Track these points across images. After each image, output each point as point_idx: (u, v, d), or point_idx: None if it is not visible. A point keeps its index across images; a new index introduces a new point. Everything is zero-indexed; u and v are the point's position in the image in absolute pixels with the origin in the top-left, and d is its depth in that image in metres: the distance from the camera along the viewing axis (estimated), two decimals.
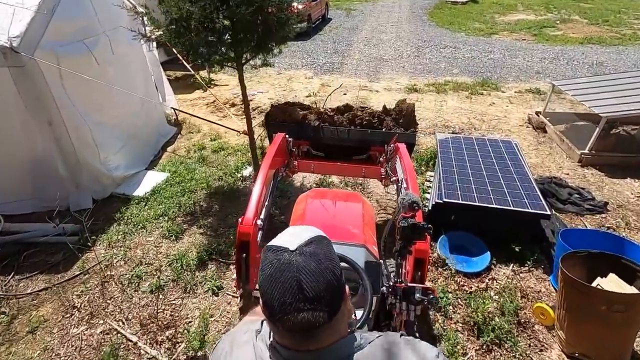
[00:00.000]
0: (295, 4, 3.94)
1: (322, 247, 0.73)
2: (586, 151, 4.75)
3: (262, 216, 2.10)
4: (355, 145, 3.08)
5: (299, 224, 2.23)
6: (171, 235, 3.70)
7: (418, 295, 1.35)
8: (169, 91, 6.10)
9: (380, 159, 3.02)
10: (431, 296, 1.35)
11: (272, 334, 0.77)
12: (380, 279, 1.43)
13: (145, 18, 3.62)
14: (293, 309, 0.67)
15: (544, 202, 3.30)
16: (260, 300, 0.74)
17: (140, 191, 4.37)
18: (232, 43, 3.73)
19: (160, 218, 3.98)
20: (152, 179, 4.61)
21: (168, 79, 8.22)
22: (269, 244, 0.76)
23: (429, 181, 4.43)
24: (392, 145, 2.78)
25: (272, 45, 3.87)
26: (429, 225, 1.39)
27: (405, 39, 11.81)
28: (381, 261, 1.60)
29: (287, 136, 2.89)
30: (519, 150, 4.21)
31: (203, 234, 3.76)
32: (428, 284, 1.97)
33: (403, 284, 1.40)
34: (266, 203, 2.31)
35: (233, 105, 7.02)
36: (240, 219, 1.86)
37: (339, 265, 0.74)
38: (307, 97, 7.36)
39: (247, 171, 4.78)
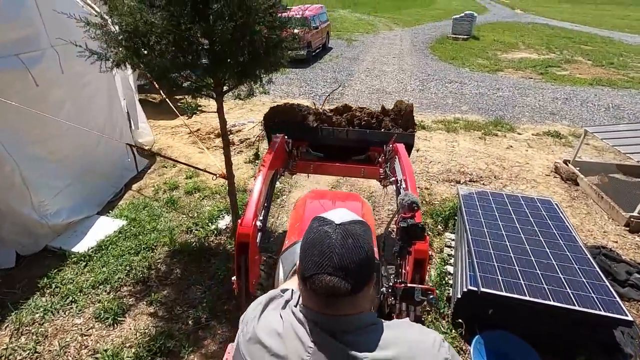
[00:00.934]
0: (296, 30, 3.12)
1: (363, 230, 0.79)
2: (636, 214, 3.90)
3: (261, 217, 2.06)
4: (354, 145, 3.02)
5: (299, 225, 2.20)
6: (108, 317, 2.69)
7: (418, 295, 1.29)
8: (142, 118, 5.24)
9: (379, 159, 2.94)
10: (431, 296, 1.29)
11: (300, 299, 0.84)
12: (380, 279, 1.43)
13: (97, 31, 2.77)
14: (323, 271, 0.73)
15: (619, 300, 2.39)
16: (298, 262, 0.82)
17: (83, 246, 3.38)
18: (209, 67, 2.91)
19: (101, 287, 2.99)
20: (103, 228, 3.64)
21: (152, 102, 7.43)
22: (318, 215, 0.83)
23: (449, 247, 3.52)
24: (390, 145, 2.73)
25: (259, 72, 3.05)
26: (423, 225, 1.35)
27: (409, 71, 11.26)
28: (380, 262, 1.58)
29: (286, 137, 2.80)
30: (563, 213, 3.35)
31: (153, 315, 2.77)
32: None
33: (403, 285, 1.34)
34: (266, 204, 2.27)
35: (218, 135, 6.16)
36: (239, 220, 1.79)
37: (372, 250, 0.79)
38: None
39: (224, 222, 3.84)
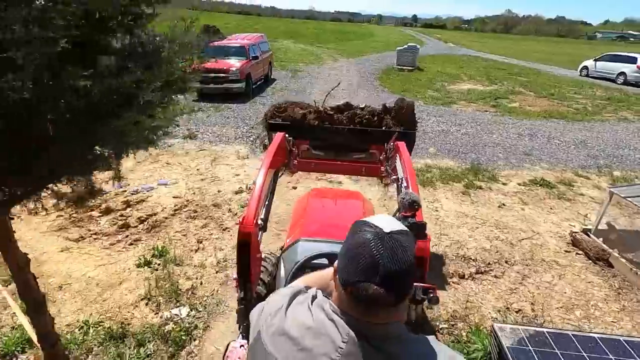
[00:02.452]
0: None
1: (410, 241, 0.73)
2: None
3: (262, 216, 2.05)
4: (355, 144, 2.93)
5: (301, 222, 2.19)
6: None
7: (419, 294, 1.25)
8: None
9: (380, 157, 2.84)
10: (431, 295, 1.25)
11: (330, 301, 0.78)
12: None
13: None
14: (368, 280, 0.68)
15: None
16: (337, 263, 0.77)
17: None
18: None
19: None
20: None
21: None
22: (364, 219, 0.76)
23: None
24: (391, 143, 2.64)
25: (87, 158, 1.27)
26: (424, 223, 1.29)
27: None
28: None
29: (287, 135, 2.66)
30: None
31: None
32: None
33: None
34: (266, 202, 2.27)
35: (107, 211, 4.11)
36: (240, 219, 1.72)
37: (415, 261, 0.74)
38: (237, 192, 4.74)
39: None
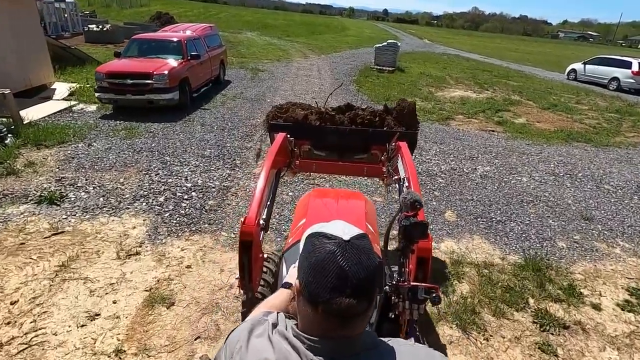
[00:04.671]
0: None
1: (369, 242, 0.72)
2: None
3: (264, 216, 2.04)
4: (357, 144, 2.85)
5: (302, 224, 2.13)
6: None
7: (421, 294, 1.23)
8: None
9: (382, 158, 2.77)
10: (434, 295, 1.22)
11: (293, 325, 0.74)
12: (383, 278, 1.28)
13: None
14: (340, 294, 0.66)
15: None
16: (301, 282, 0.71)
17: None
18: None
19: None
20: None
21: None
22: (319, 230, 0.74)
23: None
24: (393, 144, 2.60)
25: None
26: (426, 223, 1.30)
27: None
28: (382, 260, 1.48)
29: (288, 136, 2.64)
30: None
31: None
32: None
33: (406, 283, 1.27)
34: (268, 203, 2.23)
35: None
36: (242, 219, 1.71)
37: (379, 262, 0.73)
38: None
39: None
